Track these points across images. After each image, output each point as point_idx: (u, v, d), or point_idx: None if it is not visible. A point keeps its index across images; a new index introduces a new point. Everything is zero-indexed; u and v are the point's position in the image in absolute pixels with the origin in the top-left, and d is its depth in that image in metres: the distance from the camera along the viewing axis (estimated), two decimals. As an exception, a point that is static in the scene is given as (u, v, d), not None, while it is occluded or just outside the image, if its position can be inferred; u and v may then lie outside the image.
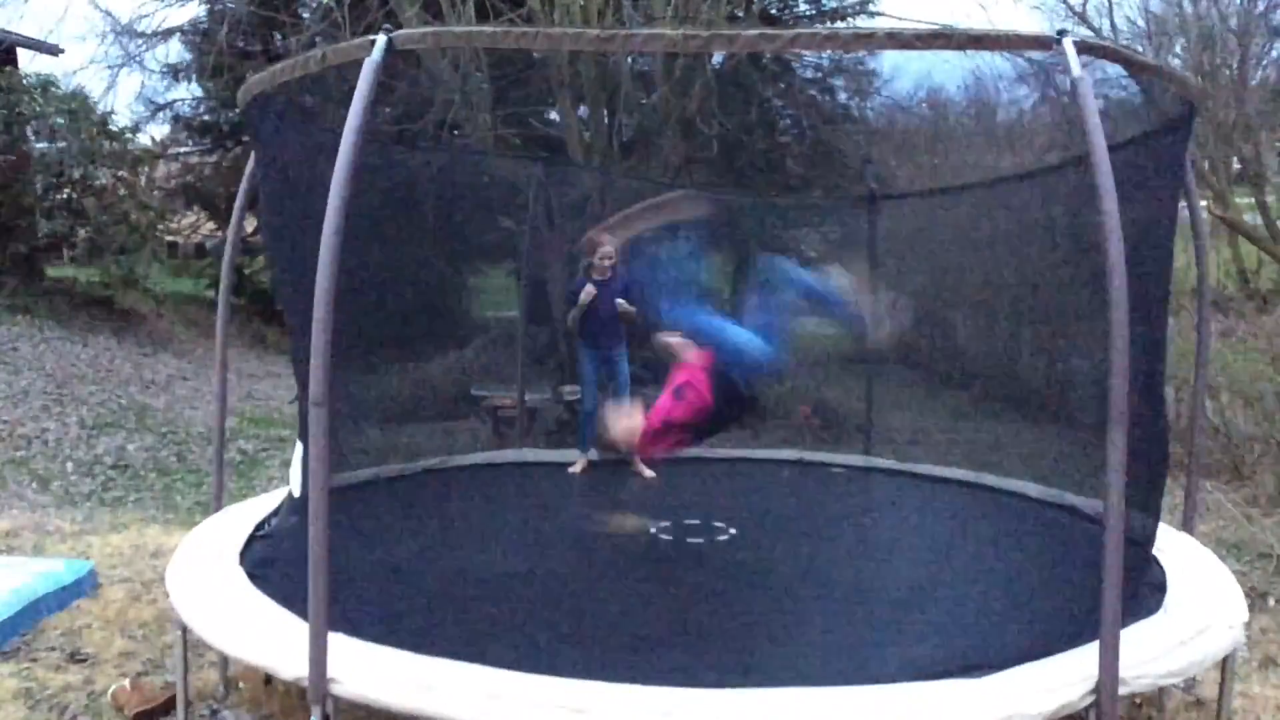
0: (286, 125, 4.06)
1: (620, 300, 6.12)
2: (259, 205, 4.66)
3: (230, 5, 11.87)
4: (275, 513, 4.37)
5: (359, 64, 2.91)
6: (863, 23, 12.44)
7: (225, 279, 4.68)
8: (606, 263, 6.16)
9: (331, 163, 2.82)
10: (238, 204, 4.63)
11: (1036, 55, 11.74)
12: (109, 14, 12.40)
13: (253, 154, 4.40)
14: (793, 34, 2.75)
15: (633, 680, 2.84)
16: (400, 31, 2.96)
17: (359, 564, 3.76)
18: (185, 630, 3.44)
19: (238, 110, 4.04)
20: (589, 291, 6.13)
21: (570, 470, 6.21)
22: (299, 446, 3.86)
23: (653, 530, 4.83)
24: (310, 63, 3.22)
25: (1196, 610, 3.41)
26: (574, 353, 9.49)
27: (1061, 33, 2.84)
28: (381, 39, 2.89)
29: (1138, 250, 3.17)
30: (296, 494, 3.99)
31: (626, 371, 6.27)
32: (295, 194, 3.80)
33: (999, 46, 3.28)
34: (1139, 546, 3.53)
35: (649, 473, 6.00)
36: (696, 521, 4.93)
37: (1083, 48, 2.86)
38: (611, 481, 6.02)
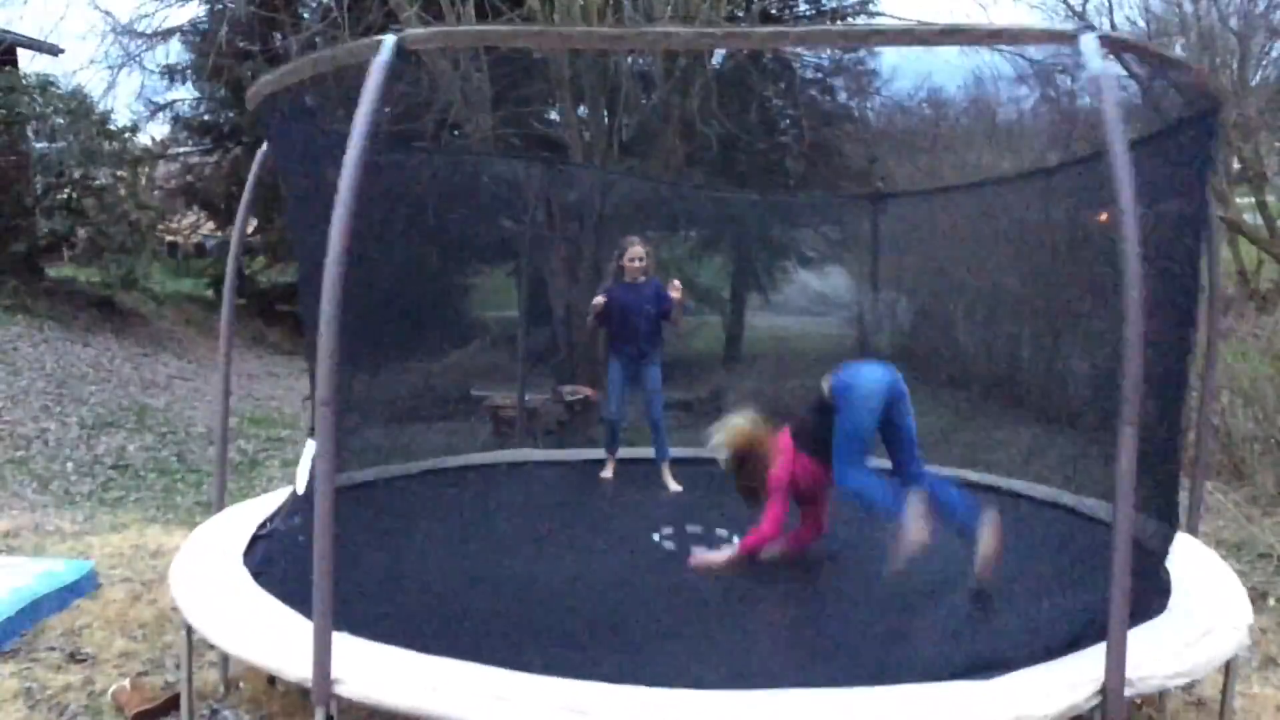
0: (295, 126, 4.05)
1: (675, 293, 5.79)
2: (284, 206, 4.66)
3: (230, 5, 11.87)
4: (278, 511, 4.36)
5: (361, 64, 2.90)
6: (862, 22, 12.45)
7: (230, 278, 4.64)
8: (637, 264, 5.89)
9: (335, 163, 2.80)
10: (242, 204, 4.61)
11: (1039, 55, 11.78)
12: (109, 14, 12.41)
13: (258, 154, 4.40)
14: (804, 30, 2.75)
15: (637, 681, 2.83)
16: (409, 31, 2.93)
17: (361, 564, 3.76)
18: (189, 630, 3.43)
19: (250, 111, 4.03)
20: (596, 304, 5.89)
21: (602, 476, 6.05)
22: (310, 443, 3.85)
23: (656, 538, 4.81)
24: (320, 63, 3.21)
25: (1202, 612, 3.40)
26: (574, 353, 9.53)
27: (1083, 27, 2.82)
28: (390, 39, 2.86)
29: (1155, 249, 3.15)
30: (301, 490, 3.98)
31: (658, 381, 6.01)
32: (306, 195, 3.80)
33: (1018, 41, 3.26)
34: (1150, 551, 3.51)
35: (675, 485, 5.87)
36: (699, 529, 4.91)
37: (1104, 42, 2.84)
38: (617, 484, 6.02)
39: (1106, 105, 2.70)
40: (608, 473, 6.10)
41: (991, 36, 2.90)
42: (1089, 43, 2.76)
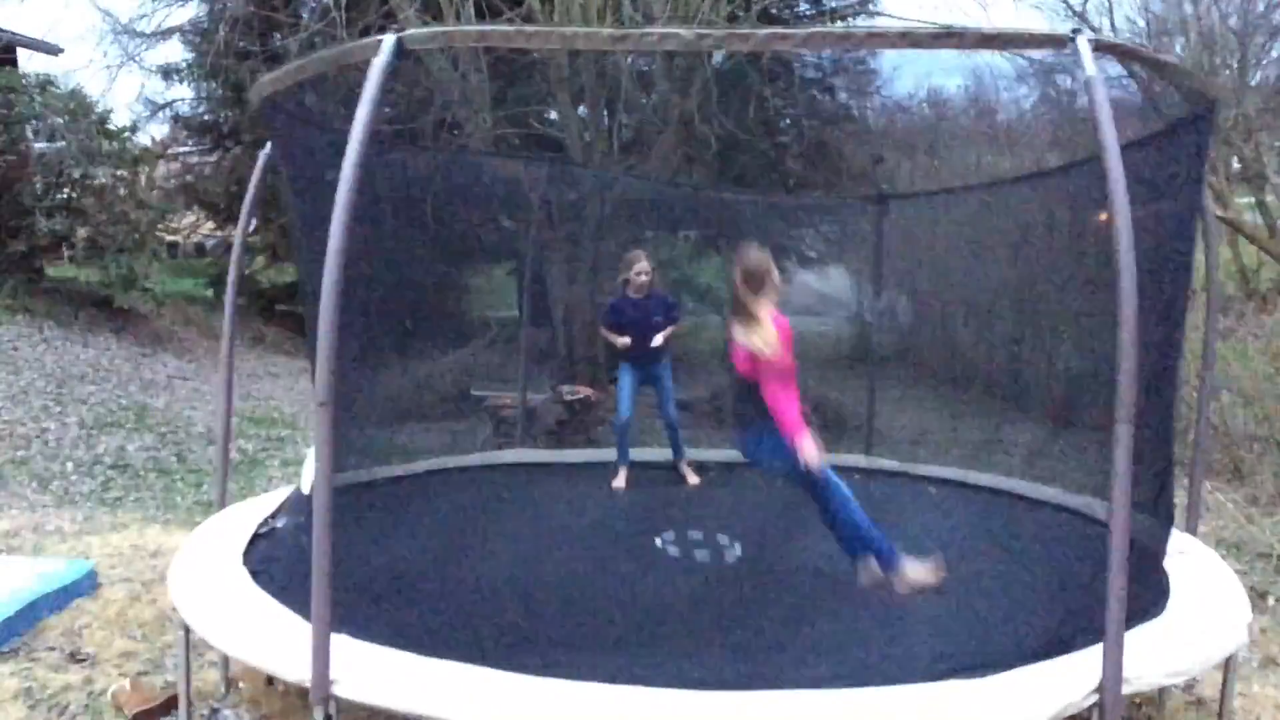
0: (296, 125, 4.05)
1: (659, 338, 5.97)
2: (282, 205, 4.65)
3: (230, 5, 11.86)
4: (278, 511, 4.35)
5: (361, 64, 2.89)
6: (862, 22, 12.44)
7: (233, 278, 4.63)
8: (643, 278, 6.02)
9: (335, 163, 2.80)
10: (245, 204, 4.59)
11: (1038, 55, 11.78)
12: (109, 14, 12.42)
13: (261, 154, 4.39)
14: (806, 33, 2.73)
15: (635, 682, 2.84)
16: (409, 31, 2.93)
17: (360, 565, 3.76)
18: (187, 630, 3.43)
19: (252, 110, 4.03)
20: (623, 342, 5.99)
21: (614, 485, 5.99)
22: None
23: (658, 543, 4.80)
24: (320, 63, 3.21)
25: (1200, 610, 3.41)
26: (574, 352, 9.54)
27: (1076, 31, 2.83)
28: (390, 39, 2.85)
29: (1151, 249, 3.16)
30: (306, 491, 3.98)
31: (670, 386, 6.13)
32: (307, 194, 3.80)
33: (1012, 45, 3.26)
34: (1147, 549, 3.52)
35: (695, 478, 6.05)
36: (699, 534, 4.90)
37: (1097, 46, 2.85)
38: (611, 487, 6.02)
39: (1100, 107, 2.71)
40: (620, 481, 6.04)
41: (987, 40, 2.88)
42: (1084, 46, 2.77)
